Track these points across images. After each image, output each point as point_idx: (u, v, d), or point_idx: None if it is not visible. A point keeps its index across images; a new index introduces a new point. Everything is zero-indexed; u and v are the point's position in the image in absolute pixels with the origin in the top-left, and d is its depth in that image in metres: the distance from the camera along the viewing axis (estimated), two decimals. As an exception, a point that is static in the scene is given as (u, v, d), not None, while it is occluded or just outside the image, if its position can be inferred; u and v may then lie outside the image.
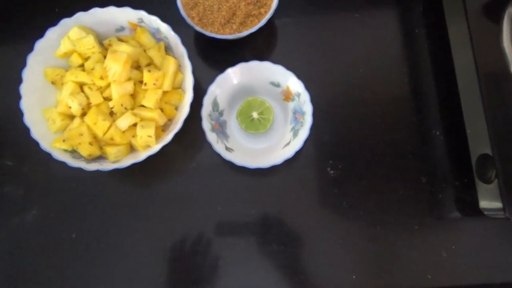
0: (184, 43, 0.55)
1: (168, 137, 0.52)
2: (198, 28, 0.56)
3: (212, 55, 0.63)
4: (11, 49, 0.64)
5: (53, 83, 0.55)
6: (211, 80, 0.57)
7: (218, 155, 0.55)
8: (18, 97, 0.53)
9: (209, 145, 0.55)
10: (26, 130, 0.52)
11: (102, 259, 0.56)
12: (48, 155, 0.51)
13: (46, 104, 0.55)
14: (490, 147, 0.51)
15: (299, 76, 0.57)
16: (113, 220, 0.57)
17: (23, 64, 0.54)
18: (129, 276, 0.56)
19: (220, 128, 0.58)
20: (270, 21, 0.57)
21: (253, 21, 0.57)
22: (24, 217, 0.58)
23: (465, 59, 0.57)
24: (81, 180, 0.58)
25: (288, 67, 0.57)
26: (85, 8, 0.59)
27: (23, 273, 0.56)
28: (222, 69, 0.58)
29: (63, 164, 0.51)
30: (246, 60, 0.61)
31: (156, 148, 0.51)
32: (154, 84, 0.53)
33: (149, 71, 0.52)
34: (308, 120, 0.55)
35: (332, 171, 0.58)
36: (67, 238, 0.57)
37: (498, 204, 0.51)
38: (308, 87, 0.56)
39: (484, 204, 0.55)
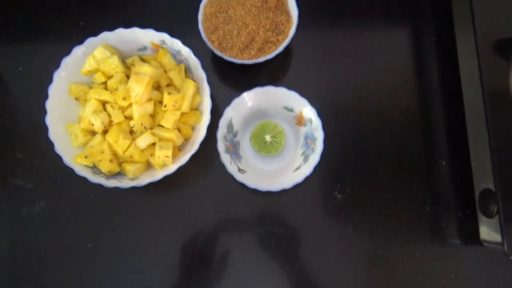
0: (203, 63, 0.56)
1: (184, 158, 0.54)
2: (217, 52, 0.58)
3: (228, 76, 0.65)
4: (37, 57, 0.66)
5: (76, 99, 0.57)
6: (226, 99, 0.59)
7: (231, 175, 0.57)
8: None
9: (222, 165, 0.57)
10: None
11: (113, 269, 0.59)
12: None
13: (69, 119, 0.57)
14: (493, 182, 0.53)
15: (311, 100, 0.58)
16: (124, 232, 0.60)
17: (49, 73, 0.56)
18: None
19: (234, 149, 0.60)
20: (286, 46, 0.59)
21: (270, 48, 0.59)
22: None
23: (474, 92, 0.59)
24: (96, 190, 0.61)
25: (301, 90, 0.59)
26: (106, 18, 0.62)
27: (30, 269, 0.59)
28: (237, 90, 0.61)
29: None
30: (261, 82, 0.63)
31: (172, 168, 0.54)
32: (173, 105, 0.55)
33: (169, 93, 0.54)
34: (319, 147, 0.57)
35: (339, 195, 0.61)
36: (81, 245, 0.60)
37: (498, 237, 0.53)
38: (319, 111, 0.58)
39: (484, 235, 0.57)
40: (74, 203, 0.61)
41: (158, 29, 0.57)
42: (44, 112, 0.55)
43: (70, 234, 0.60)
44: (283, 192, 0.58)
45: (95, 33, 0.58)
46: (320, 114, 0.58)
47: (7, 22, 0.68)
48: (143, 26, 0.57)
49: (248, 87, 0.60)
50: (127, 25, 0.65)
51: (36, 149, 0.62)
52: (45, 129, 0.54)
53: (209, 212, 0.60)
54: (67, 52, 0.56)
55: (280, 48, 0.58)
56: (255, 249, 0.59)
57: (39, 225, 0.60)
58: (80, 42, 0.57)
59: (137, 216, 0.60)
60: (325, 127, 0.58)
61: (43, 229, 0.60)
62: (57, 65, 0.56)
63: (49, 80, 0.56)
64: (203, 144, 0.55)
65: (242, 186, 0.57)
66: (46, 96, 0.55)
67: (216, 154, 0.57)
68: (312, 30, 0.65)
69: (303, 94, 0.59)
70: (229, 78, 0.64)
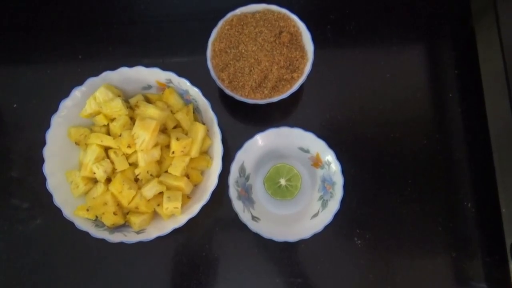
0: (211, 101, 0.52)
1: (195, 209, 0.50)
2: (228, 91, 0.54)
3: (239, 115, 0.60)
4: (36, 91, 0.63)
5: (76, 143, 0.53)
6: (237, 139, 0.55)
7: (243, 223, 0.53)
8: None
9: (233, 210, 0.53)
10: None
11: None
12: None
13: (69, 164, 0.53)
14: (527, 232, 0.49)
15: (327, 140, 0.54)
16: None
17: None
18: None
19: (246, 194, 0.56)
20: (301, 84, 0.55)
21: (285, 86, 0.55)
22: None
23: (504, 130, 0.55)
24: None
25: (316, 129, 0.55)
26: (107, 52, 0.60)
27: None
28: (249, 129, 0.57)
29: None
30: (274, 120, 0.59)
31: (182, 220, 0.50)
32: (182, 151, 0.51)
33: (177, 139, 0.50)
34: (338, 193, 0.53)
35: (359, 241, 0.57)
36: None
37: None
38: (336, 152, 0.54)
39: (516, 286, 0.53)
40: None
41: (161, 61, 0.54)
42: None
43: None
44: (300, 240, 0.55)
45: (94, 68, 0.54)
46: (338, 155, 0.54)
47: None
48: (146, 58, 0.54)
49: (260, 125, 0.56)
50: (129, 57, 0.61)
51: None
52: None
53: (220, 262, 0.56)
54: (65, 82, 0.53)
55: (295, 86, 0.54)
56: (271, 301, 0.55)
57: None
58: (79, 78, 0.53)
59: (142, 267, 0.56)
60: (343, 170, 0.54)
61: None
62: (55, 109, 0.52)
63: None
64: (214, 190, 0.51)
65: (257, 234, 0.53)
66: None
67: (227, 200, 0.53)
68: (326, 65, 0.61)
69: (318, 133, 0.55)
70: (240, 117, 0.60)
